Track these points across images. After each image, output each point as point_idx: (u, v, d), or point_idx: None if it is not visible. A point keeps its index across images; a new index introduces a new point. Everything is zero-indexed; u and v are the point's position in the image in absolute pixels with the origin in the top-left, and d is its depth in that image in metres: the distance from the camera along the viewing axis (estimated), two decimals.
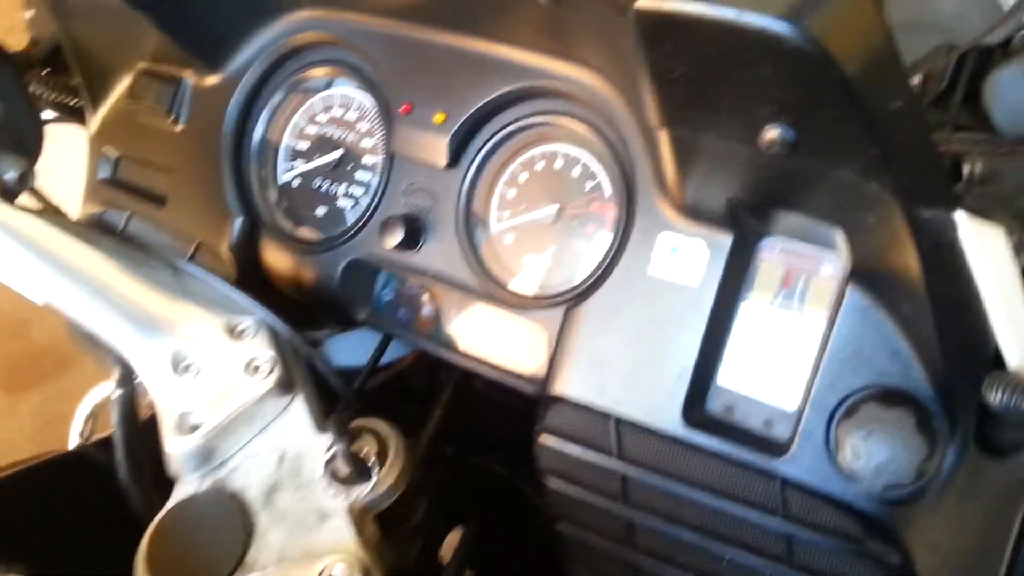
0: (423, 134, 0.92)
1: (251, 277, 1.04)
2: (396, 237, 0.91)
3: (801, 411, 0.73)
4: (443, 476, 1.20)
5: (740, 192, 0.73)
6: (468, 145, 0.92)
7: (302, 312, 1.14)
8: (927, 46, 1.04)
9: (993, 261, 0.63)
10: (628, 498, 0.81)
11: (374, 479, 0.79)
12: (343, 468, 0.79)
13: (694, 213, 0.77)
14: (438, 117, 0.91)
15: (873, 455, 0.68)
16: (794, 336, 0.76)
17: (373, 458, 0.81)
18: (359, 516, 0.78)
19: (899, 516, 0.70)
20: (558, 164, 0.90)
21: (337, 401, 0.91)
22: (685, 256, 0.78)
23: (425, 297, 0.97)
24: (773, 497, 0.73)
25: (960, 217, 0.61)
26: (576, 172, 0.89)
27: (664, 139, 0.69)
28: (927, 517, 0.70)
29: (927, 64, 1.06)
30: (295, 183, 1.06)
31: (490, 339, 0.93)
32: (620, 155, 0.85)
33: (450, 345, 0.95)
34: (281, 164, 1.06)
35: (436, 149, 0.91)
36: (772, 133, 0.60)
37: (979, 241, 0.61)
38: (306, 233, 1.04)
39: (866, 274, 0.71)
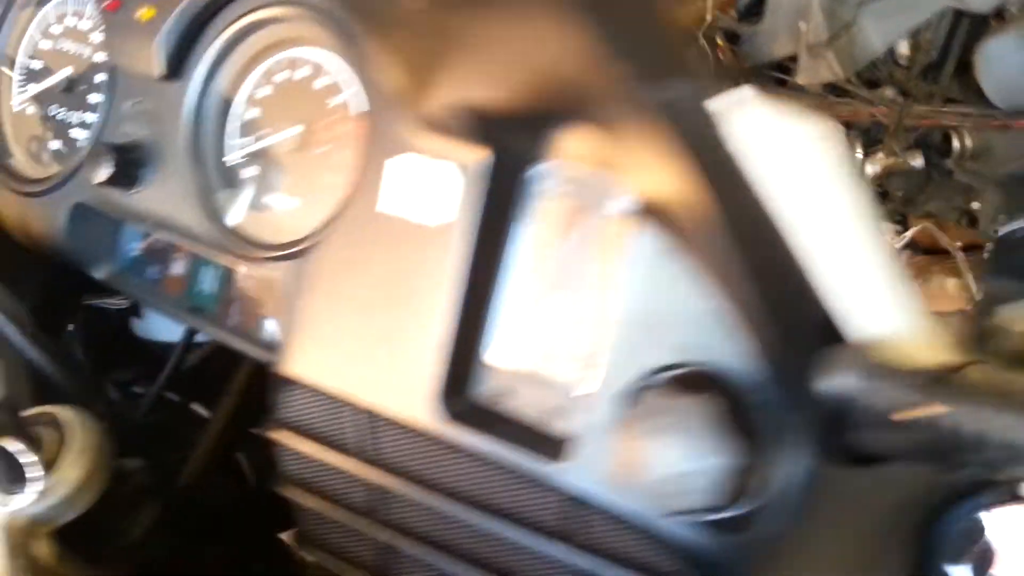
0: (132, 36, 0.71)
1: None
2: (105, 170, 0.70)
3: (591, 396, 0.52)
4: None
5: None
6: (191, 50, 0.70)
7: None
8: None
9: (787, 164, 0.41)
10: (376, 514, 0.61)
11: (41, 484, 0.60)
12: None
13: (439, 124, 0.56)
14: (145, 12, 0.70)
15: (659, 464, 0.46)
16: (586, 294, 0.54)
17: (34, 457, 0.61)
18: (20, 534, 0.61)
19: (729, 548, 0.48)
20: (301, 73, 0.69)
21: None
22: (429, 186, 0.56)
23: (176, 251, 0.77)
24: (553, 517, 0.53)
25: (716, 105, 0.39)
26: (320, 82, 0.68)
27: None
28: (772, 554, 0.48)
29: (920, 33, 1.00)
30: (29, 110, 0.85)
31: (239, 301, 0.72)
32: (365, 52, 0.63)
33: (198, 309, 0.75)
34: (16, 87, 0.85)
35: (147, 54, 0.70)
36: None
37: (752, 136, 0.39)
38: (39, 171, 0.83)
39: (656, 204, 0.49)
